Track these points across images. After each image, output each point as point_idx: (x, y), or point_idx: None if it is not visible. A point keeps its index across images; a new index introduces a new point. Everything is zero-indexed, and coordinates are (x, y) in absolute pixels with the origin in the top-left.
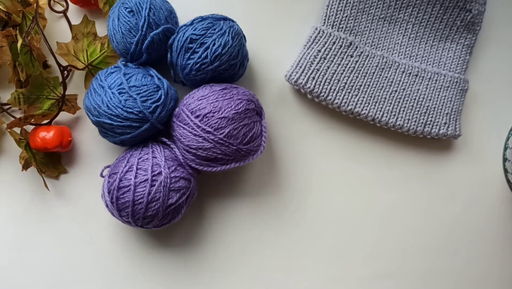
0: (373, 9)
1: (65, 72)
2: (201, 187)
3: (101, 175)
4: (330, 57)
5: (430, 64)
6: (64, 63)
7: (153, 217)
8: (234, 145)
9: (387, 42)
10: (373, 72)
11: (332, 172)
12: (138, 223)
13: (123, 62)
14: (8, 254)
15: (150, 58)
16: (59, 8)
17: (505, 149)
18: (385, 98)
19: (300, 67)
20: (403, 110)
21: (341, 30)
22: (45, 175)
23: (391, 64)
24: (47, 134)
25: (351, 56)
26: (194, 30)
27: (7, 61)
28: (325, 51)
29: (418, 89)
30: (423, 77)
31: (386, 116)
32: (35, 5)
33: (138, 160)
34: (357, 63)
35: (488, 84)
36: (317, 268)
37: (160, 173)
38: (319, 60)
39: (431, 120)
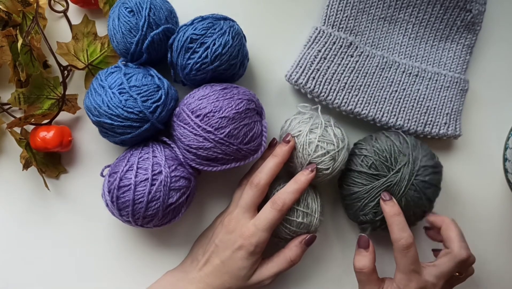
0: (373, 9)
1: (65, 72)
2: (201, 187)
3: (102, 175)
4: (330, 57)
5: (430, 64)
6: (64, 63)
7: (153, 216)
8: (235, 145)
9: (387, 42)
10: (373, 72)
11: None
12: (138, 222)
13: (124, 62)
14: (8, 253)
15: (150, 58)
16: (59, 8)
17: (505, 149)
18: (385, 98)
19: (300, 67)
20: (403, 110)
21: (341, 30)
22: (45, 174)
23: (391, 64)
24: (47, 134)
25: (351, 56)
26: (194, 30)
27: (7, 61)
28: (325, 51)
29: (418, 89)
30: (423, 77)
31: (386, 116)
32: (35, 5)
33: (139, 159)
34: (357, 63)
35: (488, 84)
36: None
37: (160, 172)
38: (319, 60)
39: (431, 120)
